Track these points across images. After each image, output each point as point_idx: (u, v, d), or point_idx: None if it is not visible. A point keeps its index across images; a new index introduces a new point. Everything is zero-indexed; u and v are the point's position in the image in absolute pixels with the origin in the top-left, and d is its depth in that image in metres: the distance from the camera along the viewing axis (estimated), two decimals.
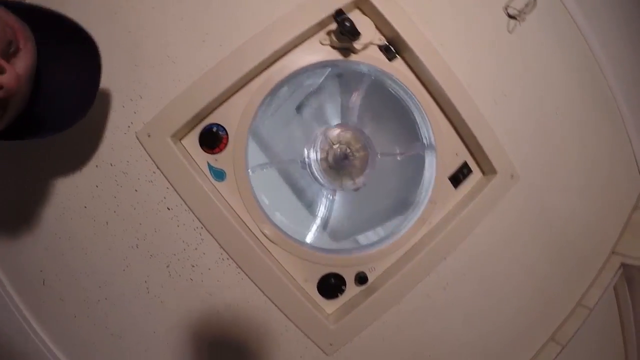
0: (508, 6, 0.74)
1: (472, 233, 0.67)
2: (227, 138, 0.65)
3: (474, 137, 0.67)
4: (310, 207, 0.78)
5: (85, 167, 0.63)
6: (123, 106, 0.63)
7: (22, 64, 0.42)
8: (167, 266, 0.63)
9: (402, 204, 0.75)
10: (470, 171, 0.70)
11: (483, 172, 0.72)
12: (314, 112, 0.78)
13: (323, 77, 0.75)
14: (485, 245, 0.70)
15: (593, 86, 0.79)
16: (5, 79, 0.39)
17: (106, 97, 0.64)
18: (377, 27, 0.68)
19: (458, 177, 0.69)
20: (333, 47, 0.67)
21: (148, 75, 0.64)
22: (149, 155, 0.62)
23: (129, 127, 0.63)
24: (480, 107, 0.69)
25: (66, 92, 0.50)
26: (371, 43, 0.67)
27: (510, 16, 0.74)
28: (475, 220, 0.67)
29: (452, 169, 0.70)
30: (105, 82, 0.63)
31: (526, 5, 0.73)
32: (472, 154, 0.71)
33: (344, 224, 0.77)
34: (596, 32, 0.77)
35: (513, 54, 0.74)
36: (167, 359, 0.64)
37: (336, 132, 0.70)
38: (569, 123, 0.76)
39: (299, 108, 0.81)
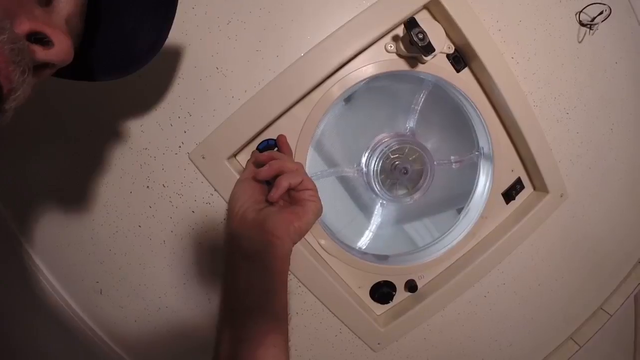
0: (581, 12, 0.67)
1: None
2: None
3: (532, 156, 0.66)
4: (365, 209, 0.77)
5: (136, 187, 0.61)
6: (171, 124, 0.58)
7: (67, 3, 0.30)
8: None
9: (454, 202, 0.77)
10: (522, 187, 0.70)
11: (534, 187, 0.72)
12: (367, 110, 0.73)
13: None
14: (525, 258, 0.73)
15: None
16: (54, 54, 0.28)
17: (151, 115, 0.58)
18: (446, 34, 0.62)
19: (511, 194, 0.69)
20: (399, 55, 0.61)
21: (196, 90, 0.58)
22: (205, 178, 0.60)
23: (179, 147, 0.59)
24: (542, 126, 0.67)
25: (131, 26, 0.39)
26: (440, 52, 0.62)
27: (582, 24, 0.68)
28: (523, 237, 0.70)
29: (506, 184, 0.70)
30: (147, 97, 0.59)
31: (600, 12, 0.67)
32: (526, 170, 0.70)
33: (390, 218, 0.78)
34: None
35: (580, 67, 0.70)
36: None
37: (396, 144, 0.66)
38: (620, 140, 0.76)
39: (347, 99, 0.76)
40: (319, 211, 0.49)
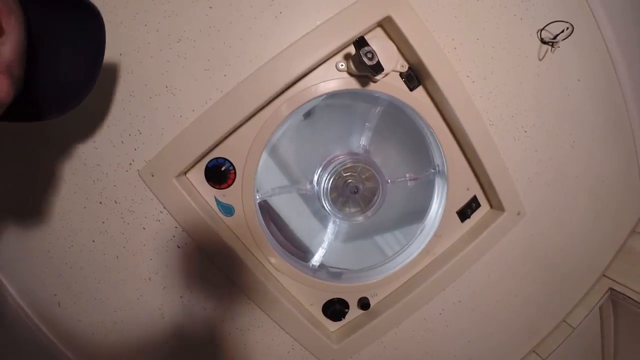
0: (543, 29, 0.67)
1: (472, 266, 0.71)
2: (235, 173, 0.62)
3: (486, 174, 0.66)
4: (323, 222, 0.78)
5: (90, 203, 0.61)
6: (122, 142, 0.59)
7: (10, 47, 0.34)
8: (181, 297, 0.65)
9: (414, 218, 0.76)
10: (478, 205, 0.70)
11: (490, 205, 0.72)
12: (323, 127, 0.73)
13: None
14: (482, 276, 0.73)
15: (614, 121, 0.77)
16: None
17: (103, 131, 0.59)
18: (400, 51, 0.61)
19: (466, 212, 0.69)
20: (350, 74, 0.61)
21: (146, 108, 0.58)
22: (155, 195, 0.60)
23: (130, 164, 0.59)
24: (498, 144, 0.66)
25: (66, 68, 0.43)
26: (393, 70, 0.61)
27: (544, 42, 0.67)
28: (478, 255, 0.70)
29: (461, 203, 0.70)
30: (100, 114, 0.59)
31: (562, 30, 0.66)
32: (482, 188, 0.70)
33: (348, 233, 0.78)
34: (629, 67, 0.72)
35: (540, 85, 0.69)
36: None
37: (348, 162, 0.67)
38: (581, 156, 0.75)
39: (306, 115, 0.76)
40: None
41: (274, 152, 0.71)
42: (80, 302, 0.66)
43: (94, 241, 0.63)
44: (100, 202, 0.62)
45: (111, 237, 0.63)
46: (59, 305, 0.67)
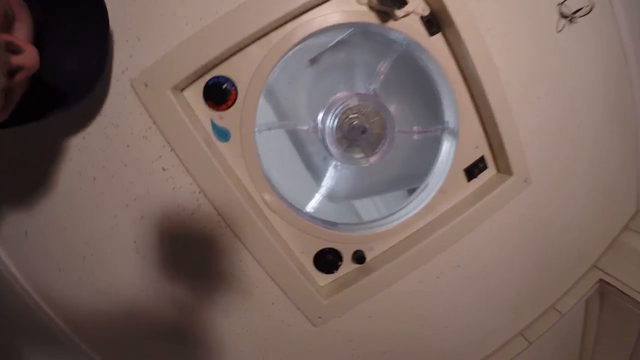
0: (563, 3, 0.66)
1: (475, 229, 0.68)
2: (236, 94, 0.57)
3: (498, 134, 0.64)
4: (314, 172, 0.73)
5: (70, 114, 0.54)
6: (117, 48, 0.53)
7: (21, 36, 0.37)
8: (159, 230, 0.59)
9: (409, 181, 0.73)
10: (485, 166, 0.67)
11: (497, 169, 0.70)
12: (331, 70, 0.69)
13: (346, 33, 0.66)
14: (482, 242, 0.70)
15: (619, 105, 0.77)
16: (25, 59, 0.35)
17: None
18: None
19: (473, 171, 0.67)
20: (370, 7, 0.58)
21: (149, 14, 0.53)
22: (145, 108, 0.54)
23: (123, 72, 0.54)
24: (512, 105, 0.64)
25: (70, 62, 0.45)
26: (414, 12, 0.59)
27: (563, 15, 0.67)
28: (482, 218, 0.67)
29: (469, 161, 0.67)
30: None
31: (582, 7, 0.66)
32: (491, 149, 0.68)
33: (343, 188, 0.74)
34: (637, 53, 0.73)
35: (555, 56, 0.68)
36: (155, 316, 0.63)
37: (356, 101, 0.63)
38: (586, 138, 0.75)
39: (313, 60, 0.72)
40: None
41: (275, 93, 0.66)
42: (48, 230, 0.58)
43: (71, 160, 0.57)
44: (83, 115, 0.56)
45: (90, 156, 0.56)
46: (26, 235, 0.59)
